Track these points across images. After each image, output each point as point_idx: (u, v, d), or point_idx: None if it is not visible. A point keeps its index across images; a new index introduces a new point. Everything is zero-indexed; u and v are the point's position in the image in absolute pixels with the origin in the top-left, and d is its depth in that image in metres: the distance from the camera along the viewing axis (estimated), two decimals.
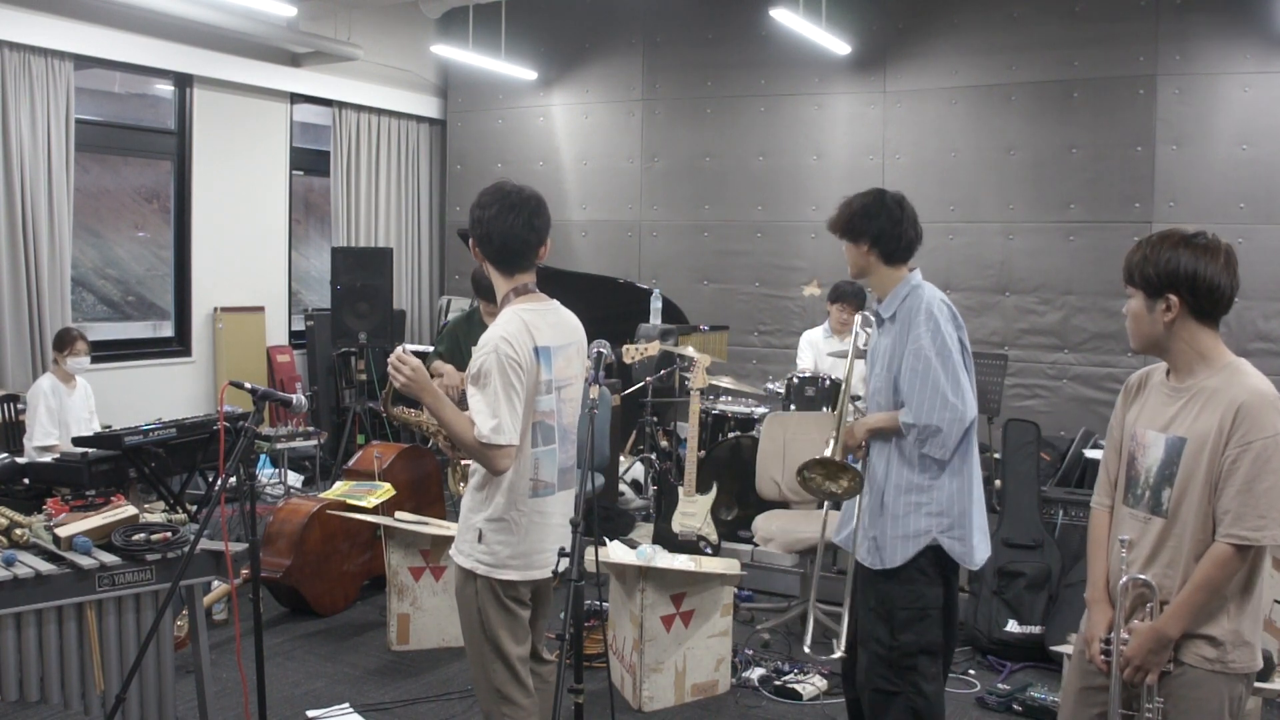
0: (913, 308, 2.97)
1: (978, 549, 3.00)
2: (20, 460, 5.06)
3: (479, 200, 2.78)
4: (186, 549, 2.98)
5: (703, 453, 5.53)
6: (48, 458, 5.12)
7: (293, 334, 8.52)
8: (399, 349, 2.77)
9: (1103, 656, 2.34)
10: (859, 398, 3.45)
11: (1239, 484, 2.18)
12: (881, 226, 3.00)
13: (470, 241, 2.86)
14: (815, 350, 6.17)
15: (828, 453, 2.96)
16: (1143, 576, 2.30)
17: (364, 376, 7.98)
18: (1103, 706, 2.37)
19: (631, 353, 5.47)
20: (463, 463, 2.96)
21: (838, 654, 3.12)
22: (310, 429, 7.34)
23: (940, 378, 2.86)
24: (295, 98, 8.28)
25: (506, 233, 2.73)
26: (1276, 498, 2.17)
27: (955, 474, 2.94)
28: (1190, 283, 2.23)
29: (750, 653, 4.46)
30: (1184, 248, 2.24)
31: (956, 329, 2.96)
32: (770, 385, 6.35)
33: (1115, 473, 2.46)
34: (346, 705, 3.99)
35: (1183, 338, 2.28)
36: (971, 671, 4.39)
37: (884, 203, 3.02)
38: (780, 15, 6.77)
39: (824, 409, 5.50)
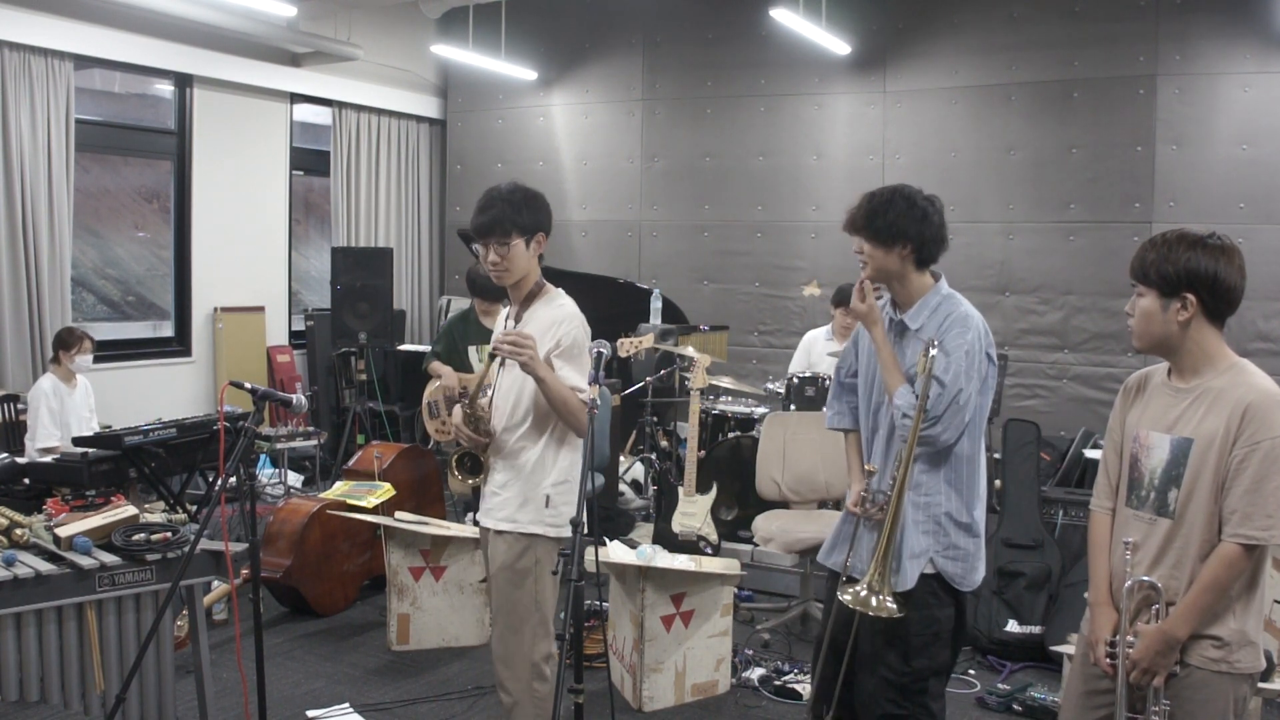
0: (950, 318, 2.72)
1: (979, 572, 2.81)
2: (20, 460, 5.06)
3: (537, 196, 3.00)
4: (186, 549, 2.98)
5: (703, 453, 5.53)
6: (48, 458, 5.12)
7: (293, 334, 8.52)
8: (508, 325, 2.99)
9: (1108, 659, 2.33)
10: None
11: (1247, 484, 2.17)
12: (925, 231, 2.70)
13: (512, 235, 2.94)
14: (809, 353, 6.16)
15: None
16: (1149, 579, 2.29)
17: (364, 376, 7.98)
18: (1106, 709, 2.36)
19: (626, 346, 5.49)
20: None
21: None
22: (310, 429, 7.34)
23: (961, 371, 2.64)
24: (295, 98, 8.28)
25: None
26: None
27: (955, 489, 2.75)
28: (1211, 283, 2.24)
29: (750, 653, 4.46)
30: (1201, 248, 2.24)
31: (986, 353, 2.73)
32: (770, 385, 6.35)
33: (1116, 475, 2.45)
34: (346, 705, 3.99)
35: (1193, 338, 2.28)
36: (971, 671, 4.39)
37: (918, 200, 2.72)
38: (780, 15, 6.77)
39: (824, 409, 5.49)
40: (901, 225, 2.70)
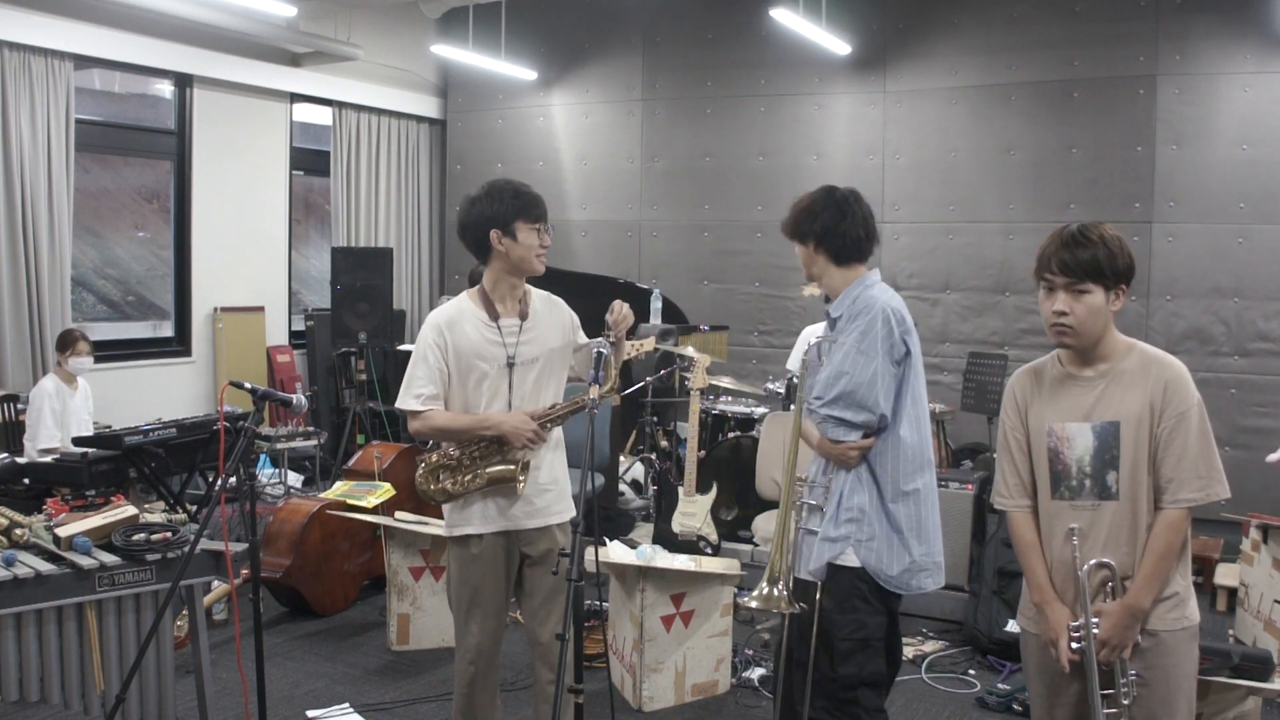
0: (859, 309, 2.79)
1: (918, 575, 2.76)
2: (20, 460, 5.06)
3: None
4: (186, 549, 2.98)
5: (703, 453, 5.54)
6: (48, 458, 5.12)
7: (293, 334, 8.53)
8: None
9: (1071, 649, 2.35)
10: None
11: (1178, 451, 2.30)
12: (825, 224, 2.83)
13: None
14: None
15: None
16: (1105, 559, 2.34)
17: (364, 376, 7.98)
18: (1073, 688, 2.40)
19: (628, 349, 5.48)
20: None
21: None
22: (310, 429, 7.34)
23: (857, 369, 2.72)
24: (295, 98, 8.28)
25: None
26: (1212, 458, 2.31)
27: (875, 477, 2.77)
28: (1134, 272, 2.40)
29: (750, 653, 4.45)
30: (1120, 241, 2.39)
31: (897, 335, 2.75)
32: (770, 385, 6.35)
33: (1027, 473, 2.48)
34: (346, 705, 3.99)
35: (1113, 326, 2.40)
36: (971, 671, 4.39)
37: (830, 200, 2.85)
38: (780, 15, 6.77)
39: None
40: (802, 225, 2.88)
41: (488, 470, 2.98)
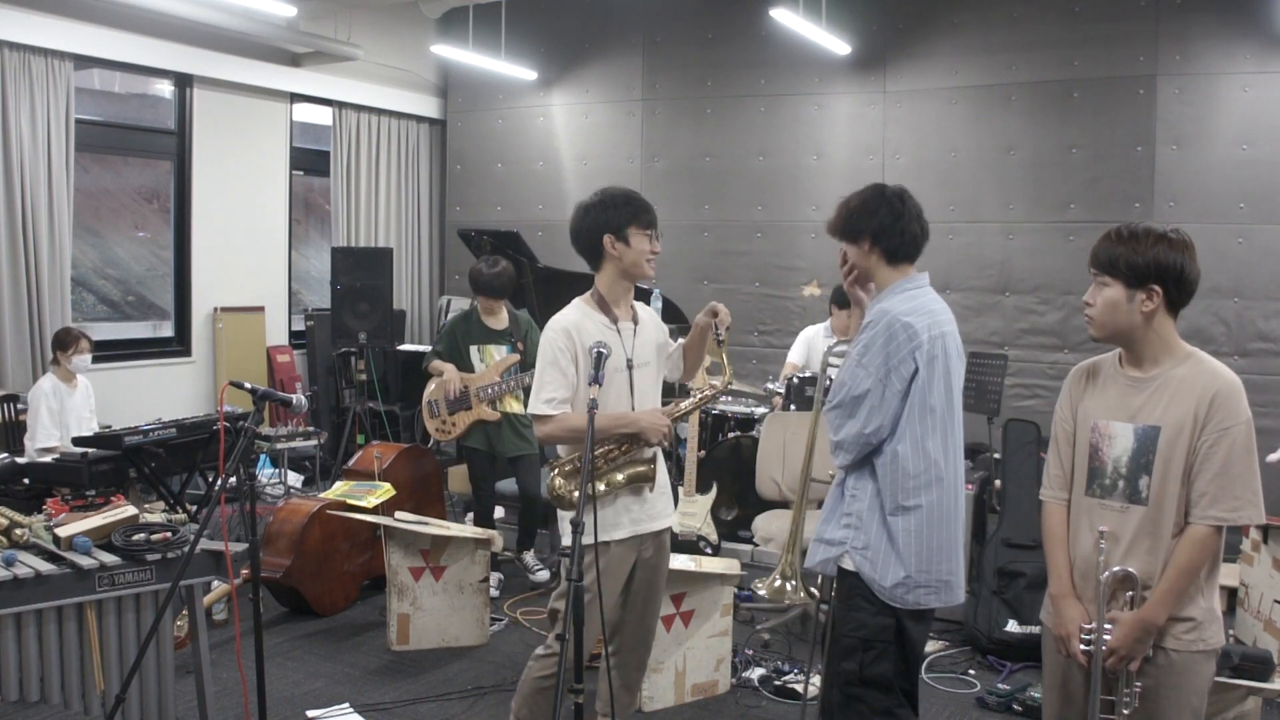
0: (871, 319, 2.72)
1: (915, 591, 2.67)
2: (20, 460, 5.06)
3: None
4: (186, 549, 2.98)
5: (703, 453, 5.54)
6: (48, 458, 5.12)
7: (293, 334, 8.52)
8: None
9: (1083, 650, 2.35)
10: None
11: (1216, 467, 2.26)
12: (882, 222, 2.75)
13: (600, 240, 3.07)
14: (809, 348, 6.17)
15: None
16: (1128, 568, 2.33)
17: (364, 376, 7.98)
18: (1082, 695, 2.40)
19: None
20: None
21: None
22: (310, 429, 7.34)
23: (857, 386, 2.69)
24: (295, 98, 8.28)
25: None
26: (1251, 479, 2.26)
27: (879, 489, 2.71)
28: (1177, 276, 2.33)
29: (750, 653, 4.46)
30: (1167, 243, 2.34)
31: (905, 351, 2.65)
32: (770, 385, 6.35)
33: (1069, 464, 2.48)
34: (346, 705, 3.99)
35: (1154, 328, 2.36)
36: (971, 671, 4.39)
37: (884, 197, 2.78)
38: (780, 15, 6.77)
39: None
40: (856, 223, 2.79)
41: (628, 470, 3.01)
